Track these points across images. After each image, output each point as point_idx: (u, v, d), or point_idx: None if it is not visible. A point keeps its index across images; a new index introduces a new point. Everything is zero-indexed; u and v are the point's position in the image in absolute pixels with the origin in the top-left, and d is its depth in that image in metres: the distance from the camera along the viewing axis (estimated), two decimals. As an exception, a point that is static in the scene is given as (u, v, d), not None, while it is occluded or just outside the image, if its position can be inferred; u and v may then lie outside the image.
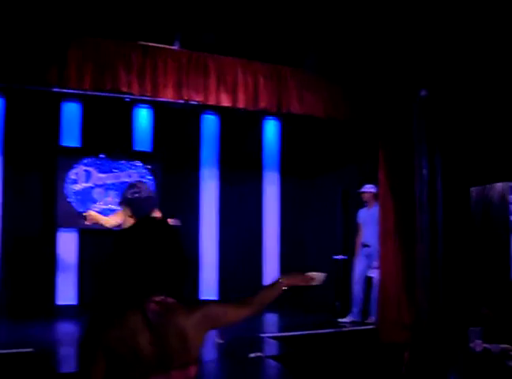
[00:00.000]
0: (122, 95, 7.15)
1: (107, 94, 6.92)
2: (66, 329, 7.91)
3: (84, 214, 7.10)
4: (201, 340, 2.14)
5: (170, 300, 2.10)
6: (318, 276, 2.68)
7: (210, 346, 5.55)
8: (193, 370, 2.09)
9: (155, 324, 2.01)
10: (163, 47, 5.99)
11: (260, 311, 2.44)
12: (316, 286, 2.69)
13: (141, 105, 8.99)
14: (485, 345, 5.14)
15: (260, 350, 5.82)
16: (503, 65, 6.37)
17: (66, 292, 8.48)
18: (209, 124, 9.49)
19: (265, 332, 6.59)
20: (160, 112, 9.03)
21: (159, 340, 2.01)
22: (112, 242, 2.18)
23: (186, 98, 5.99)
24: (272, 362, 5.65)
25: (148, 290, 2.08)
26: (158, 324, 2.02)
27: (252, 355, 5.62)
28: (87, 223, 7.03)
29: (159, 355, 2.01)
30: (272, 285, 2.49)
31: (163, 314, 2.05)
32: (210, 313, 2.19)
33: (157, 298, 2.07)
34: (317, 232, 9.72)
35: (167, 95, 5.89)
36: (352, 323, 7.61)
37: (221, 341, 5.62)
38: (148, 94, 5.84)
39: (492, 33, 6.13)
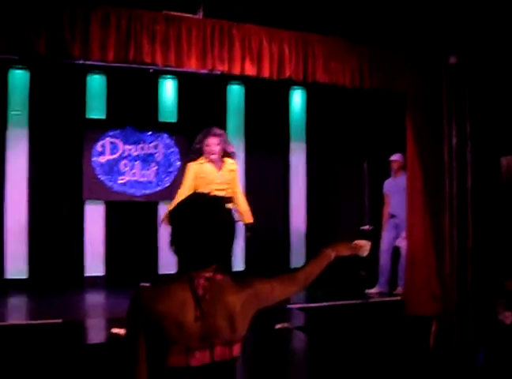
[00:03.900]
0: (146, 66, 7.09)
1: (131, 65, 6.87)
2: (95, 300, 8.01)
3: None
4: (249, 319, 2.11)
5: (219, 276, 2.08)
6: (365, 245, 2.58)
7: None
8: (237, 349, 2.07)
9: (203, 300, 2.00)
10: (187, 16, 5.90)
11: (308, 286, 2.39)
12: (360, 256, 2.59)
13: (166, 76, 8.95)
14: (515, 317, 5.07)
15: (286, 321, 5.81)
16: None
17: (94, 264, 8.57)
18: (235, 94, 9.43)
19: (291, 303, 6.57)
20: (186, 83, 8.97)
21: (205, 316, 2.00)
22: (169, 216, 2.18)
23: (210, 67, 5.92)
24: (298, 333, 5.64)
25: (197, 264, 2.06)
26: (206, 301, 2.00)
27: (278, 326, 5.62)
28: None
29: (204, 331, 2.00)
30: (320, 257, 2.42)
31: (212, 291, 2.03)
32: (259, 290, 2.15)
33: (207, 274, 2.05)
34: (344, 203, 9.66)
35: (191, 65, 5.81)
36: (380, 294, 7.57)
37: None
38: (172, 64, 5.77)
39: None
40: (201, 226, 2.06)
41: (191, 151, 6.23)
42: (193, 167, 6.08)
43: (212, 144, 6.00)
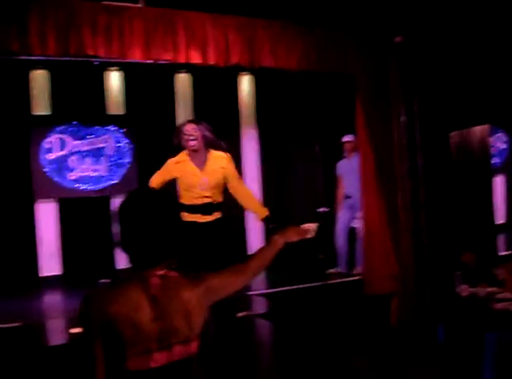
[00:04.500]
0: (89, 59, 6.94)
1: (75, 59, 6.71)
2: (53, 300, 7.88)
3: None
4: (204, 314, 2.08)
5: (172, 274, 2.04)
6: (312, 227, 2.58)
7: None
8: (195, 345, 2.04)
9: (157, 300, 1.96)
10: (128, 6, 5.78)
11: (259, 274, 2.37)
12: (308, 239, 2.59)
13: (111, 68, 8.79)
14: (471, 289, 5.15)
15: (248, 309, 5.80)
16: (480, 9, 6.26)
17: (50, 263, 8.41)
18: (183, 83, 9.32)
19: (251, 290, 6.56)
20: (132, 74, 8.85)
21: (161, 316, 1.95)
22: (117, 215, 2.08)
23: (154, 57, 5.80)
24: (260, 321, 5.64)
25: (148, 262, 2.00)
26: (161, 300, 1.96)
27: (240, 315, 5.60)
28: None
29: (161, 331, 1.96)
30: (269, 245, 2.39)
31: (166, 289, 1.99)
32: (212, 285, 2.12)
33: (159, 272, 2.00)
34: (299, 186, 9.69)
35: (135, 56, 5.68)
36: (339, 274, 7.63)
37: None
38: (116, 55, 5.64)
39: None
40: (148, 222, 2.01)
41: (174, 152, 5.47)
42: (169, 166, 5.40)
43: (190, 129, 5.30)
